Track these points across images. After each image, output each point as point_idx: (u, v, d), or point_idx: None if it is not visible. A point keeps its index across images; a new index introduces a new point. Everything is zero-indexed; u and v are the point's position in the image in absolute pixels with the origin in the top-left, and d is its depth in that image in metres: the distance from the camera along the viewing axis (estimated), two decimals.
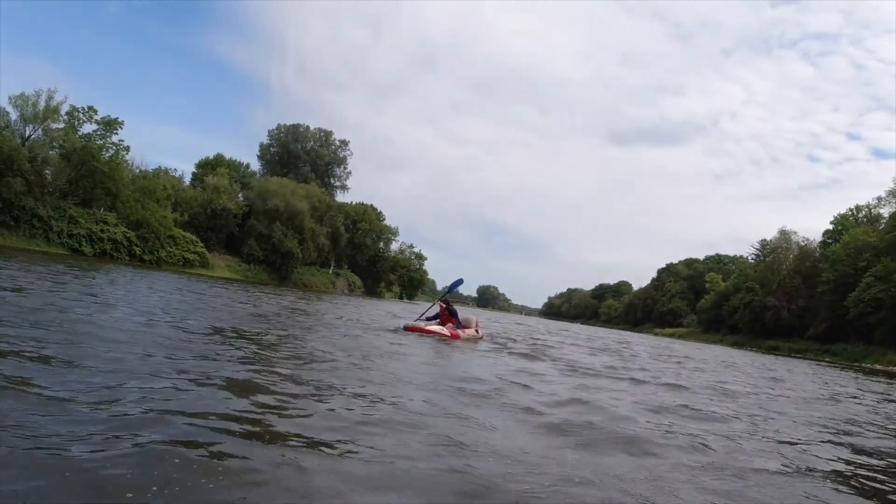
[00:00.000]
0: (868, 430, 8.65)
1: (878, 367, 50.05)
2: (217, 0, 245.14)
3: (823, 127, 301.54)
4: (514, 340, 18.97)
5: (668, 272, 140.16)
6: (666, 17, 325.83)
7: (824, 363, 49.11)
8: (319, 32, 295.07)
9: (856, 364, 52.98)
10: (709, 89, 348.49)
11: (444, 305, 16.62)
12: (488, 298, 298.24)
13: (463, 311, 18.72)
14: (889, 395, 17.87)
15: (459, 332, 15.68)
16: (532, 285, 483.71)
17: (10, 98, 45.69)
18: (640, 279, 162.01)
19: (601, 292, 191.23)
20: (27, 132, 46.35)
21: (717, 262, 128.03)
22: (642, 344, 36.56)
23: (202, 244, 58.55)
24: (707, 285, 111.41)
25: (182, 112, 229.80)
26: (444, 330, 15.28)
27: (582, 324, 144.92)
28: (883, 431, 8.82)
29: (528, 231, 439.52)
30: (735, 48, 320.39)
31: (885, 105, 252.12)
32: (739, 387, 13.38)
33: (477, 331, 16.74)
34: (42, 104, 46.36)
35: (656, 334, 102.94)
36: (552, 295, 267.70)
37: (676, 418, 7.20)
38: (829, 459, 5.99)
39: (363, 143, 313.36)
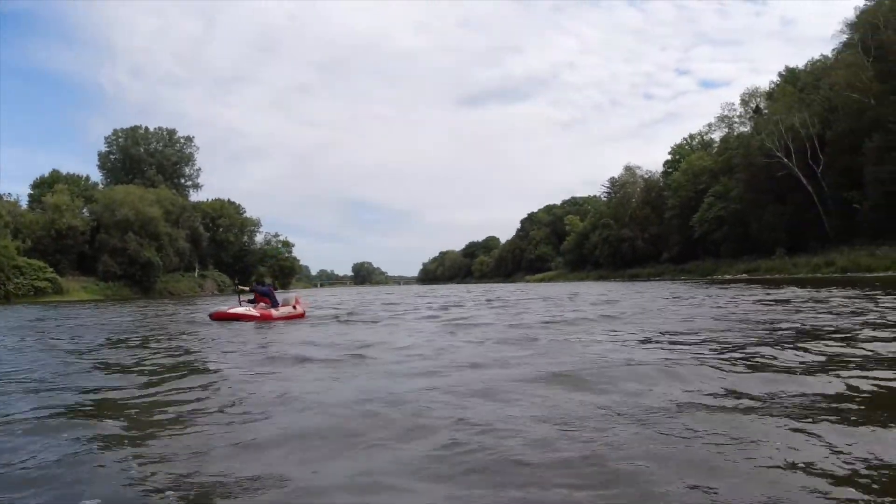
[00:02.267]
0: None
1: (728, 276, 54.72)
2: (27, 6, 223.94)
3: (655, 66, 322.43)
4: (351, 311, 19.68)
5: (530, 221, 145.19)
6: None
7: (680, 281, 53.20)
8: (148, 27, 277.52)
9: (708, 277, 57.67)
10: (546, 44, 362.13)
11: (256, 291, 16.69)
12: (364, 275, 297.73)
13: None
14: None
15: (272, 311, 15.61)
16: (406, 255, 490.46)
17: None
18: (507, 232, 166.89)
19: (472, 250, 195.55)
20: None
21: (574, 205, 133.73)
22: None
23: (52, 269, 54.82)
24: (567, 228, 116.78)
25: (6, 130, 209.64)
26: (254, 311, 15.20)
27: (458, 283, 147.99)
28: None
29: (395, 204, 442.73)
30: (565, 2, 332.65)
31: (708, 39, 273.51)
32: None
33: (295, 307, 16.64)
34: None
35: (527, 281, 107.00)
36: (426, 261, 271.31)
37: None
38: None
39: (212, 138, 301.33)
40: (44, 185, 70.74)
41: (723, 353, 7.12)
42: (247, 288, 17.16)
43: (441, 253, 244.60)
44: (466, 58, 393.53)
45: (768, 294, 20.66)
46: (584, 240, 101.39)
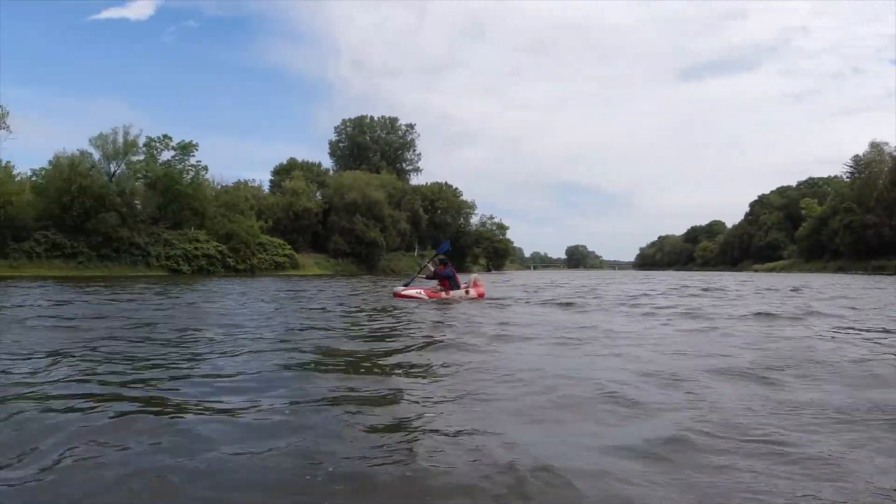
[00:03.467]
0: None
1: None
2: (262, 11, 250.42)
3: None
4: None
5: (760, 204, 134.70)
6: None
7: None
8: (366, 22, 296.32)
9: None
10: (773, 7, 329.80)
11: (443, 266, 17.07)
12: (578, 258, 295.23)
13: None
14: None
15: (441, 293, 16.32)
16: (621, 239, 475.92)
17: (90, 140, 49.00)
18: (734, 216, 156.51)
19: (694, 235, 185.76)
20: (112, 169, 49.52)
21: (811, 187, 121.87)
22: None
23: (290, 246, 61.01)
24: (803, 212, 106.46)
25: (250, 124, 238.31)
26: (423, 294, 16.17)
27: (677, 270, 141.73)
28: None
29: (607, 186, 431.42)
30: None
31: None
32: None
33: (467, 291, 16.77)
34: (120, 140, 49.47)
35: (755, 271, 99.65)
36: (643, 245, 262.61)
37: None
38: None
39: (426, 123, 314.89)
40: (282, 172, 78.94)
41: None
42: (424, 276, 17.86)
43: (659, 237, 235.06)
44: (683, 28, 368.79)
45: None
46: (823, 226, 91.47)
